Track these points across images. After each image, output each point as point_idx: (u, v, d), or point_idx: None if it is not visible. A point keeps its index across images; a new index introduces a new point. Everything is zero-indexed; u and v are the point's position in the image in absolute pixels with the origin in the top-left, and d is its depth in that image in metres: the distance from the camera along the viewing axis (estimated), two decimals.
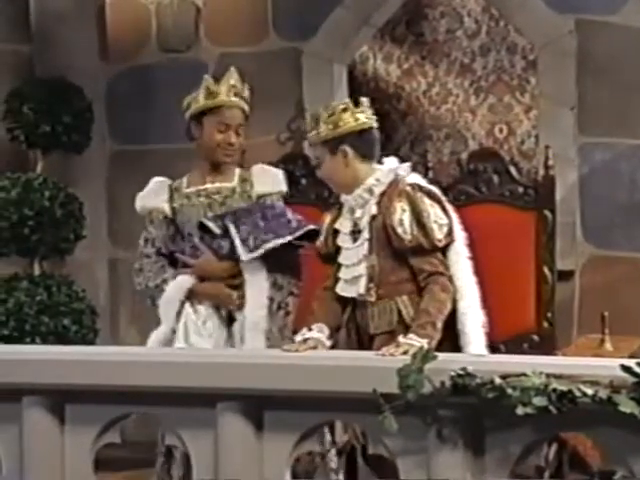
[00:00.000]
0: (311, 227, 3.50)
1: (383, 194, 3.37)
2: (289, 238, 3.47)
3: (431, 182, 3.89)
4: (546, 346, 4.35)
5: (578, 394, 2.61)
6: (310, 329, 3.28)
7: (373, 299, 3.36)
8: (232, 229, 3.47)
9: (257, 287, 3.49)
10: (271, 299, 3.51)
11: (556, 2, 5.46)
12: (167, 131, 5.99)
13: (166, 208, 3.65)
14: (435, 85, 6.85)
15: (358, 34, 6.00)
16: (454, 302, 3.32)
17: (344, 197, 3.46)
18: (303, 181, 4.75)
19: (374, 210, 3.36)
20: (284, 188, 3.71)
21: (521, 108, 6.66)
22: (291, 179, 4.73)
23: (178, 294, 3.53)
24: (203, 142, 3.62)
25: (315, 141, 3.44)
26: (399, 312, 3.35)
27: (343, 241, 3.43)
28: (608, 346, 4.49)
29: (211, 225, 3.52)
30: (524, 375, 2.68)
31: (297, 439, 2.98)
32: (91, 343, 5.49)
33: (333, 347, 3.40)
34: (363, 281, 3.36)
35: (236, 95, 3.63)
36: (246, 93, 3.68)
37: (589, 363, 2.88)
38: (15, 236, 5.44)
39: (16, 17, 6.00)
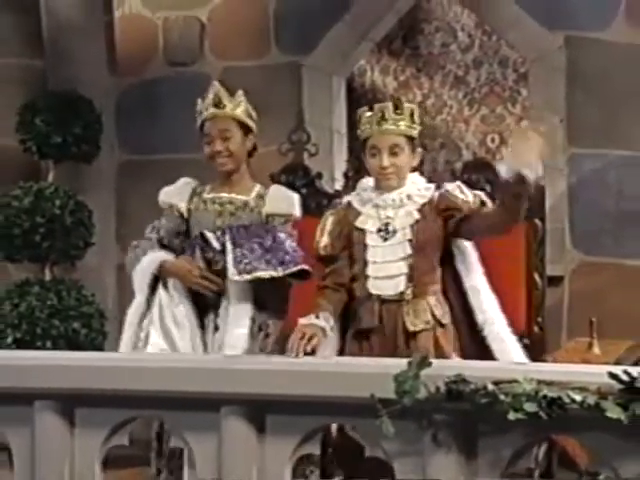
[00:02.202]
0: (303, 267, 3.43)
1: (424, 204, 3.42)
2: (279, 274, 3.41)
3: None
4: (537, 349, 4.34)
5: (567, 400, 2.61)
6: (317, 317, 3.26)
7: (410, 297, 3.38)
8: (229, 247, 3.44)
9: (241, 306, 3.45)
10: (253, 320, 3.46)
11: (546, 19, 5.49)
12: (173, 141, 6.01)
13: (182, 207, 3.63)
14: (430, 96, 6.87)
15: (357, 48, 6.03)
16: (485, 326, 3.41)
17: (369, 194, 3.46)
18: (303, 191, 4.75)
19: (418, 216, 3.40)
20: (296, 212, 3.62)
21: (513, 119, 6.67)
22: (292, 189, 4.76)
23: (150, 267, 3.51)
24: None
25: (405, 133, 3.41)
26: (432, 311, 3.39)
27: (372, 240, 3.42)
28: (596, 350, 4.50)
29: (212, 239, 3.50)
30: (515, 382, 2.68)
31: (298, 442, 2.97)
32: (100, 346, 5.50)
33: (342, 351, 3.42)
34: (403, 279, 3.38)
35: (215, 106, 3.58)
36: (228, 100, 3.61)
37: (578, 370, 2.87)
38: (27, 243, 5.44)
39: (29, 33, 6.03)
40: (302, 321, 3.23)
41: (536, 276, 4.42)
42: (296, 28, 5.90)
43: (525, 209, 3.32)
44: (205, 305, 3.55)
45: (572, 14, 5.45)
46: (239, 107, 3.60)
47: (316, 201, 4.76)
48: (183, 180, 3.74)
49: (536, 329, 4.38)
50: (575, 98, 5.47)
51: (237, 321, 3.43)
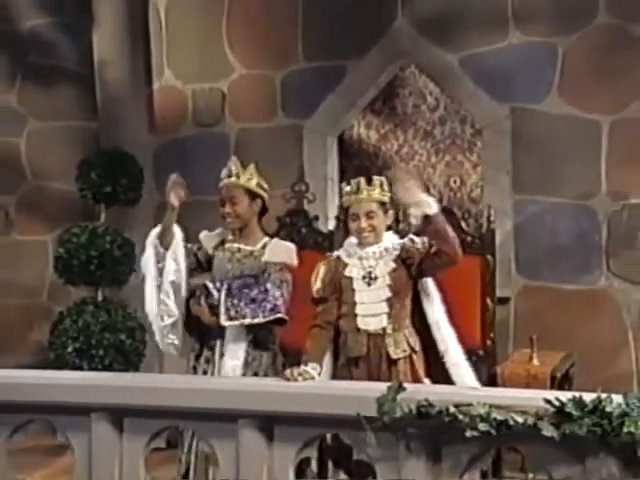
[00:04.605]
0: (279, 316, 3.45)
1: (397, 256, 3.43)
2: (261, 321, 3.44)
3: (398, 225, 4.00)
4: (490, 359, 4.36)
5: (512, 422, 2.63)
6: (306, 364, 3.25)
7: (391, 331, 3.37)
8: (222, 297, 3.45)
9: (236, 343, 3.47)
10: (247, 352, 3.48)
11: (496, 93, 5.48)
12: (200, 187, 5.91)
13: (209, 250, 3.66)
14: (404, 146, 6.84)
15: (346, 114, 6.03)
16: (445, 353, 3.39)
17: (354, 249, 3.45)
18: (303, 230, 4.78)
19: (394, 265, 3.40)
20: (289, 261, 3.58)
21: (470, 165, 6.64)
22: (294, 228, 4.78)
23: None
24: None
25: (377, 200, 3.41)
26: (407, 341, 3.39)
27: (358, 285, 3.41)
28: (536, 362, 4.46)
29: (212, 289, 3.49)
30: (472, 405, 2.70)
31: (299, 447, 3.00)
32: (142, 353, 5.48)
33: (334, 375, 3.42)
34: (385, 317, 3.37)
35: (229, 177, 3.61)
36: (241, 171, 3.60)
37: (521, 395, 2.88)
38: (84, 271, 5.44)
39: (86, 101, 6.04)
40: (296, 371, 3.21)
41: (488, 301, 4.42)
42: (298, 97, 5.89)
43: (454, 236, 3.31)
44: (213, 334, 3.55)
45: (516, 90, 5.44)
46: (248, 178, 3.61)
47: (313, 238, 4.78)
48: (219, 230, 3.73)
49: (489, 343, 4.38)
50: (519, 156, 5.47)
51: (233, 354, 3.45)
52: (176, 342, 3.57)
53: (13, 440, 3.32)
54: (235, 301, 3.42)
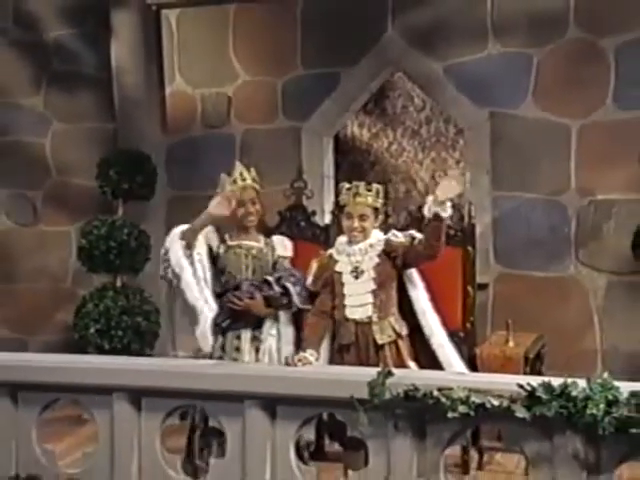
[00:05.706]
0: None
1: (382, 251, 3.45)
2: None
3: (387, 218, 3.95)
4: (469, 341, 4.37)
5: (489, 405, 2.67)
6: (305, 350, 3.32)
7: (377, 319, 3.40)
8: (291, 288, 3.47)
9: (289, 329, 3.51)
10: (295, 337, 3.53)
11: (477, 99, 5.49)
12: (208, 182, 5.91)
13: (214, 247, 3.63)
14: (394, 144, 6.90)
15: (341, 117, 6.02)
16: (431, 337, 3.41)
17: (343, 246, 3.48)
18: (302, 224, 4.78)
19: (378, 259, 3.43)
20: (291, 255, 3.67)
21: (453, 161, 6.71)
22: (293, 222, 4.80)
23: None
24: (235, 216, 3.63)
25: (371, 205, 3.45)
26: (393, 328, 3.42)
27: (346, 279, 3.44)
28: (511, 344, 4.52)
29: (273, 284, 3.49)
30: (453, 389, 2.75)
31: (299, 425, 3.04)
32: (157, 334, 5.50)
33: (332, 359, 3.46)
34: (370, 307, 3.40)
35: (242, 180, 3.60)
36: (250, 175, 3.62)
37: (497, 380, 2.93)
38: (104, 260, 5.45)
39: (105, 104, 6.02)
40: (296, 357, 3.27)
41: (469, 288, 4.42)
42: (297, 102, 5.89)
43: (444, 238, 3.35)
44: (239, 324, 3.54)
45: (495, 96, 5.46)
46: (255, 180, 3.63)
47: (311, 232, 4.76)
48: (209, 228, 3.65)
49: (469, 326, 4.39)
50: (497, 156, 5.49)
51: (288, 339, 3.49)
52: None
53: (43, 416, 3.36)
54: (298, 288, 3.46)
